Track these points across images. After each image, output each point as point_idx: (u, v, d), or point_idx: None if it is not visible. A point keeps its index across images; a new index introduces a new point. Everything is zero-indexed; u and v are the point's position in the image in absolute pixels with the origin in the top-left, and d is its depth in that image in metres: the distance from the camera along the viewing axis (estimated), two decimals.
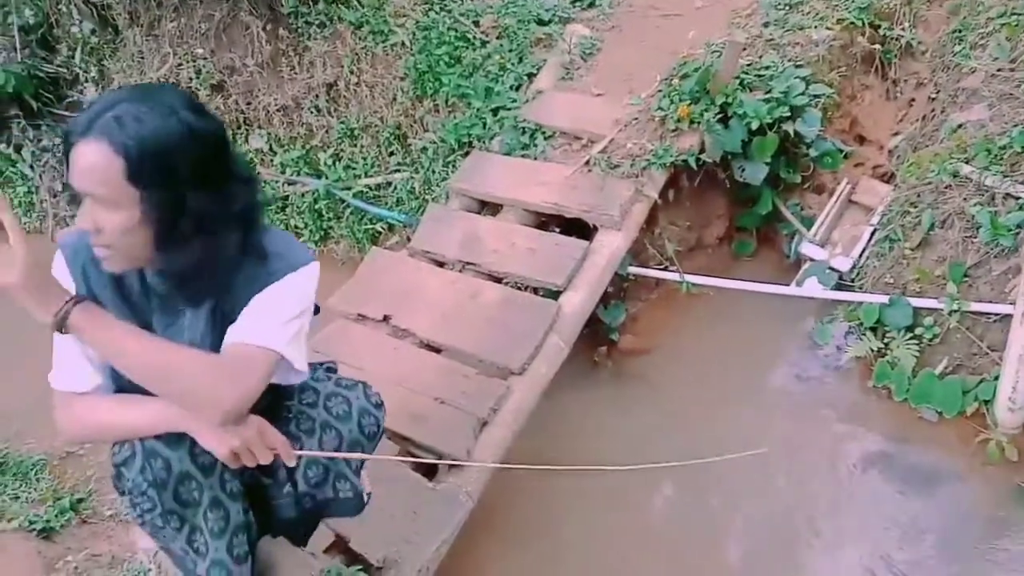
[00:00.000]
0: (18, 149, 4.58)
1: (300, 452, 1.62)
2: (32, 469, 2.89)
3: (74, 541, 2.62)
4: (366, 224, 3.87)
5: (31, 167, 4.59)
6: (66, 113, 4.51)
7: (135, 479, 1.49)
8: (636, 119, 3.22)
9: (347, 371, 1.97)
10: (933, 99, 3.45)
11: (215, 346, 1.50)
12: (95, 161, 1.27)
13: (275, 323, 1.47)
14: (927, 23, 3.69)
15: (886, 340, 2.77)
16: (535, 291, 2.82)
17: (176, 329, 1.51)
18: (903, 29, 3.63)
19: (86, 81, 4.47)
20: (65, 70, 4.52)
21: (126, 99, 1.30)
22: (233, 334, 1.47)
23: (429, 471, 2.39)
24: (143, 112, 1.28)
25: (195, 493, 1.54)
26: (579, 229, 3.05)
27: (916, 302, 2.70)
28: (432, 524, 2.15)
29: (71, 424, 1.53)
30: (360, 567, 2.06)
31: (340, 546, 2.15)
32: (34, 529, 2.60)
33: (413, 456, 2.37)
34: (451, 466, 2.34)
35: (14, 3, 4.29)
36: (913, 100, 3.62)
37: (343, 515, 1.85)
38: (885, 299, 2.76)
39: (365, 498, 1.85)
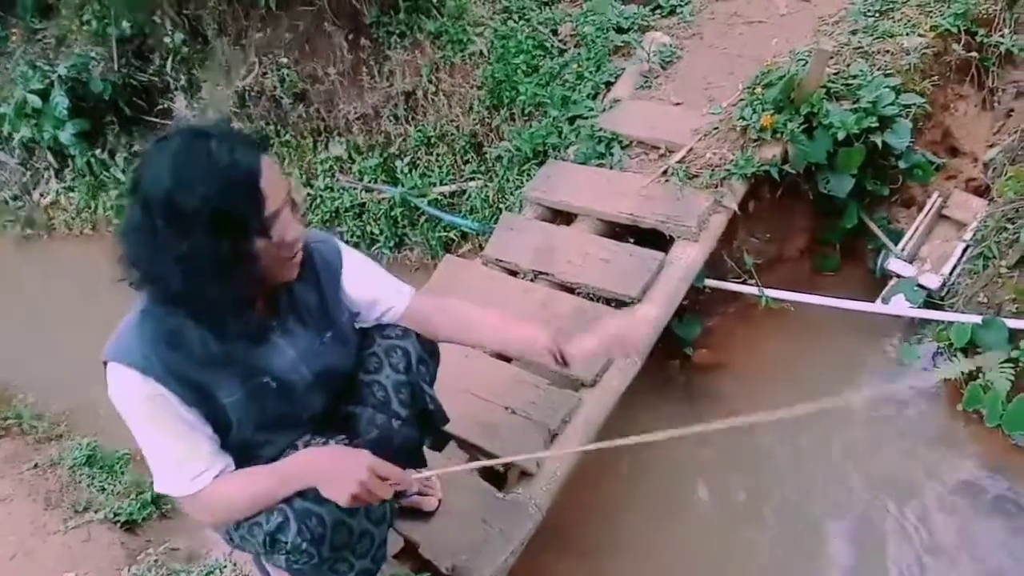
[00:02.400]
0: (112, 155, 4.82)
1: (417, 475, 1.69)
2: (117, 463, 3.01)
3: (154, 534, 2.72)
4: (440, 232, 3.90)
5: (123, 172, 4.81)
6: (157, 120, 4.71)
7: (293, 541, 1.53)
8: (716, 128, 3.15)
9: None
10: None
11: (319, 349, 1.65)
12: (277, 171, 1.43)
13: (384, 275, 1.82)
14: None
15: (978, 363, 2.63)
16: (608, 302, 2.78)
17: (273, 351, 1.59)
18: (1002, 36, 3.46)
19: (176, 89, 4.66)
20: (157, 79, 4.72)
21: (211, 129, 1.42)
22: (391, 298, 1.79)
23: (499, 481, 2.39)
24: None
25: (346, 536, 1.61)
26: (655, 240, 3.00)
27: (1012, 323, 2.56)
28: (501, 534, 2.15)
29: (206, 516, 1.60)
30: (429, 574, 2.07)
31: (410, 552, 2.16)
32: (118, 520, 2.71)
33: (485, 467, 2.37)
34: (520, 476, 2.33)
35: (113, 15, 4.50)
36: (1012, 111, 3.44)
37: (442, 423, 1.94)
38: (978, 319, 2.62)
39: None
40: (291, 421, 1.66)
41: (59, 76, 4.61)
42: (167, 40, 4.50)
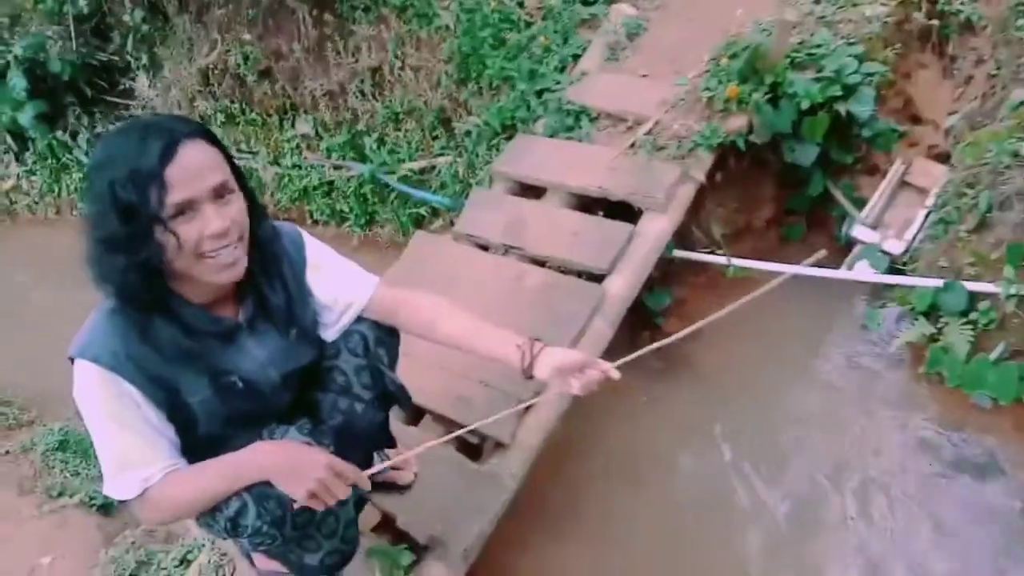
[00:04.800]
0: (74, 136, 4.73)
1: (372, 470, 1.64)
2: (91, 447, 2.99)
3: (131, 516, 2.71)
4: (410, 208, 3.90)
5: (86, 154, 4.72)
6: (119, 100, 4.63)
7: (254, 524, 1.53)
8: (683, 100, 3.17)
9: None
10: (993, 76, 3.32)
11: (287, 351, 1.66)
12: (204, 156, 1.38)
13: (345, 268, 1.78)
14: None
15: (939, 325, 2.70)
16: (579, 275, 2.81)
17: (241, 352, 1.59)
18: (962, 3, 3.50)
19: (137, 69, 4.59)
20: (117, 58, 4.64)
21: (156, 118, 1.45)
22: (351, 294, 1.74)
23: (474, 453, 2.41)
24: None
25: (307, 516, 1.60)
26: (624, 212, 3.02)
27: (972, 286, 2.62)
28: (477, 505, 2.18)
29: (154, 515, 1.57)
30: (406, 546, 2.10)
31: (387, 525, 2.19)
32: (94, 504, 2.70)
33: (457, 438, 2.39)
34: (496, 448, 2.36)
35: None
36: (971, 77, 3.49)
37: (404, 402, 1.94)
38: (939, 283, 2.69)
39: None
40: (258, 417, 1.65)
41: (15, 56, 4.51)
42: (127, 18, 4.42)
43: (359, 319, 1.78)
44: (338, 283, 1.75)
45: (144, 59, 4.49)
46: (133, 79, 4.58)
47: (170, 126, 1.39)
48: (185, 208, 1.36)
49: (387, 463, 1.78)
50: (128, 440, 1.48)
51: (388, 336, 1.84)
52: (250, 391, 1.60)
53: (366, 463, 1.98)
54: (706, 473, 2.66)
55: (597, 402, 2.79)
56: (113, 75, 4.67)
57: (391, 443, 2.02)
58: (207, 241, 1.39)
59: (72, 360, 1.45)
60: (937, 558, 2.34)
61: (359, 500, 1.81)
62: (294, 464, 1.51)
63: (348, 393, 1.77)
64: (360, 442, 1.85)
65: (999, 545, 2.35)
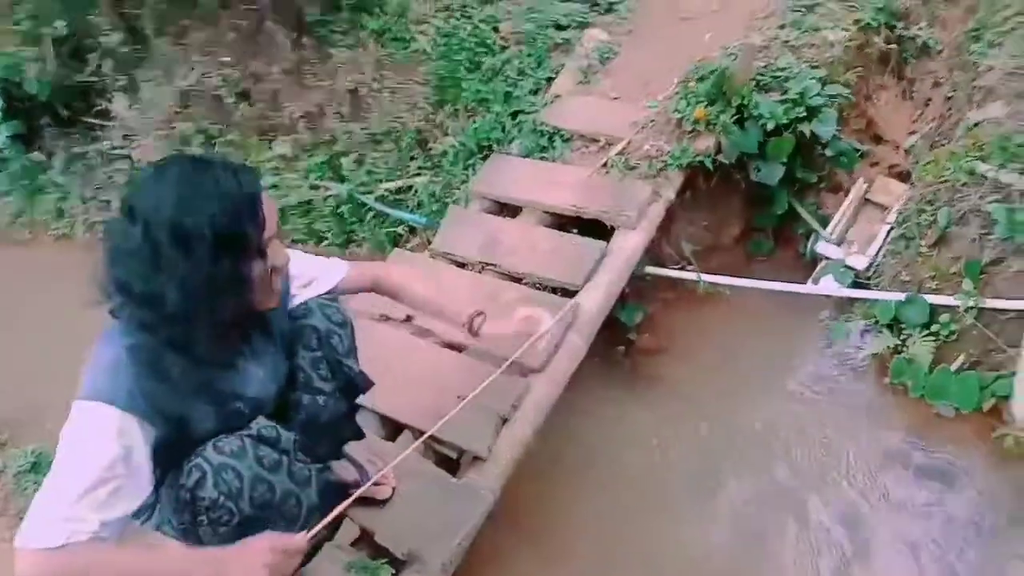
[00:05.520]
0: (50, 156, 4.71)
1: (312, 532, 1.62)
2: None
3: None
4: (388, 227, 3.93)
5: (62, 175, 4.72)
6: (96, 121, 4.63)
7: (210, 495, 1.55)
8: (653, 121, 3.27)
9: (370, 369, 2.05)
10: (950, 98, 3.47)
11: (279, 362, 1.75)
12: (270, 199, 1.52)
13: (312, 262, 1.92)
14: (944, 22, 3.71)
15: (903, 338, 2.79)
16: (554, 291, 2.87)
17: (242, 375, 1.65)
18: (919, 29, 3.65)
19: (115, 90, 4.59)
20: (95, 80, 4.64)
21: (204, 155, 1.62)
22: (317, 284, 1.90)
23: (452, 467, 2.45)
24: None
25: (267, 492, 1.63)
26: (597, 230, 3.09)
27: (932, 299, 2.73)
28: (455, 518, 2.20)
29: (48, 572, 1.35)
30: (386, 560, 2.12)
31: (366, 540, 2.21)
32: None
33: (437, 452, 2.44)
34: (473, 461, 2.40)
35: (47, 14, 4.41)
36: (930, 100, 3.64)
37: (366, 388, 2.04)
38: (901, 296, 2.78)
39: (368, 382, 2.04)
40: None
41: None
42: (104, 40, 4.43)
43: (307, 312, 1.86)
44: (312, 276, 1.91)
45: (122, 81, 4.50)
46: (110, 100, 4.59)
47: (233, 162, 1.50)
48: (270, 240, 1.48)
49: (332, 514, 1.71)
50: (100, 496, 1.39)
51: (340, 327, 1.90)
52: (253, 412, 1.66)
53: (334, 454, 2.05)
54: (680, 486, 2.71)
55: (574, 418, 2.87)
56: (90, 97, 4.66)
57: (358, 435, 2.08)
58: (278, 271, 1.54)
59: (78, 401, 1.42)
60: (900, 563, 2.40)
61: (323, 490, 1.82)
62: (242, 558, 1.49)
63: (309, 388, 1.83)
64: (325, 434, 1.91)
65: (961, 550, 2.42)
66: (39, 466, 2.99)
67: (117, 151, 4.61)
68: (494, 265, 2.96)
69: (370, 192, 3.94)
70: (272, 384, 1.74)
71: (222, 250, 1.42)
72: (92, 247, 4.72)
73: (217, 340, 1.53)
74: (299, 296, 1.88)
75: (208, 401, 1.58)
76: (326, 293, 1.94)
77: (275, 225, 1.49)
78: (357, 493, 1.75)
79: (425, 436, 1.95)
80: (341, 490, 2.15)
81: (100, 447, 1.40)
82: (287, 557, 1.53)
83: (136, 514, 1.54)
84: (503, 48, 3.91)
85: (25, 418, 3.34)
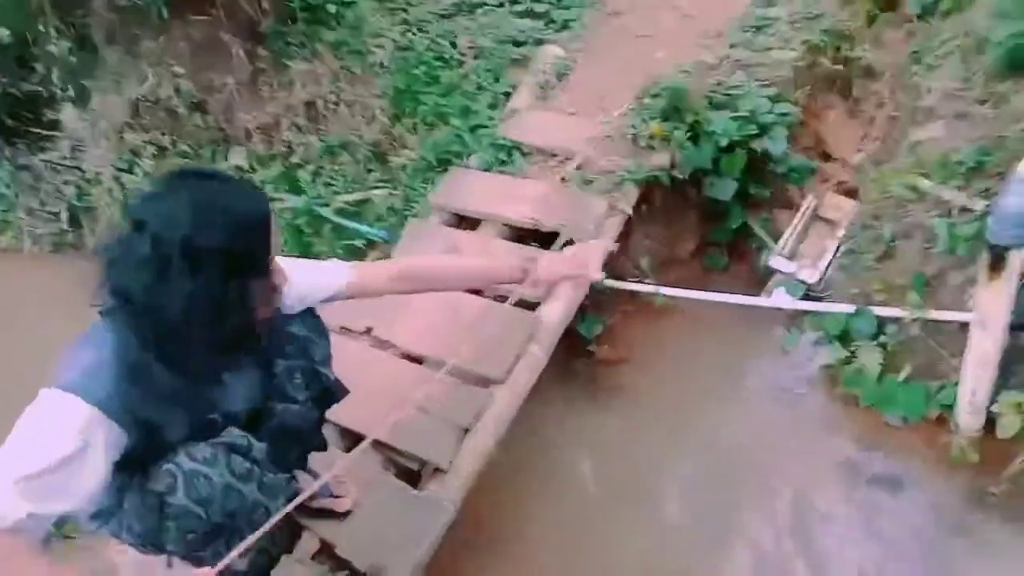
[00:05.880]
0: None
1: (220, 566, 1.48)
2: None
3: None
4: (346, 240, 3.91)
5: (7, 186, 4.59)
6: (44, 132, 4.52)
7: (180, 501, 1.55)
8: (609, 137, 3.33)
9: None
10: (893, 118, 3.60)
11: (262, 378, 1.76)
12: (276, 224, 1.55)
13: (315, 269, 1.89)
14: (887, 45, 3.85)
15: (852, 349, 2.87)
16: (516, 304, 2.88)
17: (224, 390, 1.67)
18: (864, 50, 3.78)
19: (64, 100, 4.48)
20: (42, 89, 4.53)
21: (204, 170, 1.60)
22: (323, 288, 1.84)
23: (413, 479, 2.44)
24: None
25: (238, 501, 1.64)
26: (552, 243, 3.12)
27: (880, 311, 2.81)
28: (417, 530, 2.20)
29: None
30: (346, 573, 2.11)
31: (326, 552, 2.19)
32: None
33: (398, 464, 2.43)
34: (434, 473, 2.39)
35: None
36: (874, 119, 3.77)
37: (342, 397, 2.04)
38: (851, 309, 2.87)
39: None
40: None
41: None
42: (52, 48, 4.33)
43: (287, 321, 1.84)
44: (314, 283, 1.86)
45: (71, 90, 4.40)
46: (59, 110, 4.48)
47: (244, 181, 1.52)
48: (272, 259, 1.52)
49: (285, 510, 1.65)
50: (41, 487, 1.35)
51: (318, 335, 1.91)
52: (226, 423, 1.66)
53: (302, 463, 2.03)
54: (638, 495, 2.75)
55: (535, 428, 2.89)
56: (37, 106, 4.54)
57: (323, 446, 2.07)
58: (276, 287, 1.58)
59: (45, 390, 1.40)
60: (849, 571, 2.46)
61: (291, 498, 1.80)
62: None
63: (283, 396, 1.82)
64: (295, 443, 1.90)
65: (909, 558, 2.49)
66: None
67: (66, 163, 4.51)
68: None
69: (327, 205, 3.92)
70: (251, 397, 1.74)
71: (231, 270, 1.44)
72: (39, 259, 4.61)
73: (211, 356, 1.53)
74: (295, 307, 1.84)
75: (185, 412, 1.57)
76: (326, 300, 1.91)
77: (279, 244, 1.51)
78: (299, 499, 1.67)
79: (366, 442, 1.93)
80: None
81: (59, 437, 1.37)
82: None
83: (94, 517, 1.51)
84: (461, 63, 3.94)
85: None
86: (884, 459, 2.76)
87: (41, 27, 4.30)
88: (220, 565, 1.45)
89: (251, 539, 1.48)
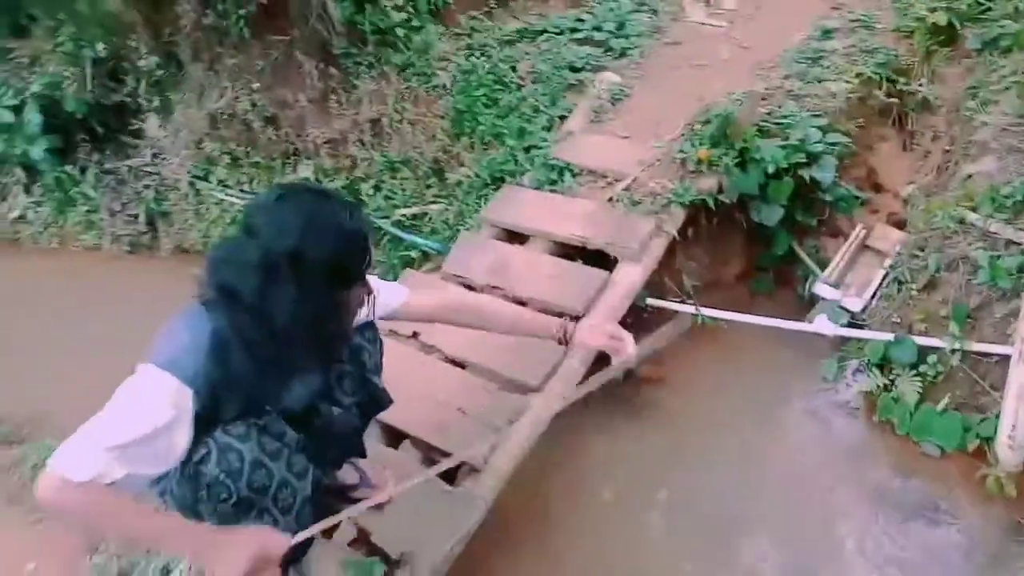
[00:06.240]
0: (83, 171, 4.92)
1: (297, 539, 1.72)
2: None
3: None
4: (402, 251, 4.08)
5: (93, 188, 4.92)
6: (129, 140, 4.85)
7: (212, 471, 1.67)
8: (659, 160, 3.41)
9: None
10: (948, 151, 3.60)
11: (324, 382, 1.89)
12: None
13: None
14: (944, 79, 3.85)
15: (891, 377, 2.88)
16: (558, 315, 2.97)
17: (289, 391, 1.79)
18: (920, 84, 3.79)
19: (149, 111, 4.81)
20: (130, 100, 4.87)
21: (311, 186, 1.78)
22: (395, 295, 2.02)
23: (450, 476, 2.54)
24: None
25: (265, 478, 1.74)
26: (601, 261, 3.21)
27: (921, 340, 2.81)
28: (449, 525, 2.30)
29: (69, 503, 1.50)
30: (379, 558, 2.22)
31: (362, 540, 2.31)
32: None
33: (435, 462, 2.53)
34: (469, 472, 2.49)
35: (89, 38, 4.65)
36: (929, 152, 3.77)
37: (387, 406, 2.17)
38: (891, 337, 2.88)
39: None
40: None
41: (32, 94, 4.73)
42: (141, 63, 4.66)
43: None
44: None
45: (156, 102, 4.72)
46: (144, 120, 4.81)
47: (349, 200, 1.70)
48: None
49: (313, 529, 1.81)
50: (138, 450, 1.53)
51: (370, 344, 2.02)
52: (279, 416, 1.78)
53: (337, 465, 2.15)
54: (664, 512, 2.77)
55: (570, 439, 2.96)
56: (125, 116, 4.89)
57: (361, 453, 2.18)
58: (364, 302, 1.73)
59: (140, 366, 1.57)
60: None
61: (316, 484, 1.91)
62: (225, 553, 1.60)
63: (330, 398, 1.93)
64: (333, 445, 2.02)
65: None
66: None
67: (147, 169, 4.82)
68: (500, 288, 3.08)
69: (387, 217, 4.10)
70: (307, 396, 1.86)
71: (333, 281, 1.60)
72: (118, 259, 4.91)
73: (302, 358, 1.71)
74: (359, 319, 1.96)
75: (248, 400, 1.69)
76: (384, 317, 2.05)
77: (373, 260, 1.66)
78: (361, 505, 1.87)
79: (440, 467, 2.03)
80: (340, 492, 2.27)
81: (155, 409, 1.54)
82: (269, 553, 1.64)
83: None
84: (519, 86, 4.09)
85: (43, 419, 3.47)
86: (919, 489, 2.74)
87: (133, 43, 4.63)
88: (299, 537, 1.69)
89: (324, 524, 1.74)
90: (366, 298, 1.74)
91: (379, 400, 2.09)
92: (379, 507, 2.32)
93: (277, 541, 1.67)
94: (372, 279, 1.92)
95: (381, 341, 2.09)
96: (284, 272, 1.54)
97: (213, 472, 1.66)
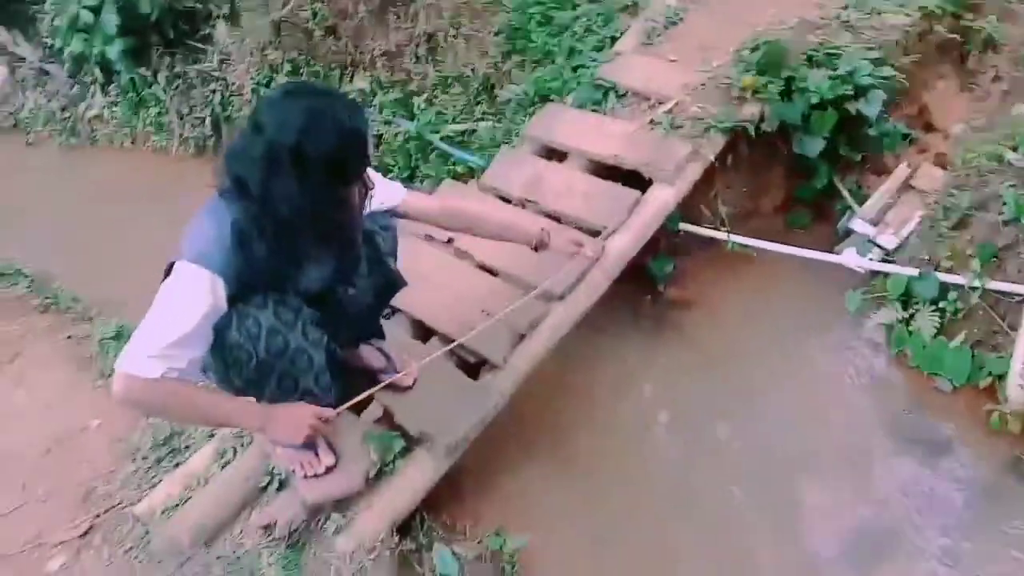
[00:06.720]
0: (155, 73, 5.16)
1: (342, 408, 2.09)
2: None
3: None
4: (450, 166, 4.22)
5: (164, 91, 5.16)
6: (199, 44, 5.04)
7: (233, 336, 1.86)
8: (704, 85, 3.42)
9: (411, 280, 2.44)
10: (1006, 92, 3.51)
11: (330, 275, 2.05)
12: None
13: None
14: (1015, 17, 3.72)
15: (911, 312, 2.91)
16: (588, 231, 3.08)
17: (305, 273, 1.96)
18: (987, 21, 3.67)
19: (218, 17, 4.99)
20: (201, 6, 5.05)
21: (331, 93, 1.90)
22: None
23: (472, 371, 2.72)
24: None
25: (281, 344, 1.93)
26: (639, 183, 3.28)
27: (943, 277, 2.84)
28: (467, 410, 2.49)
29: (144, 398, 1.76)
30: (399, 434, 2.43)
31: (386, 418, 2.52)
32: None
33: (460, 356, 2.71)
34: (490, 368, 2.67)
35: None
36: (989, 93, 3.67)
37: (400, 287, 2.37)
38: (915, 272, 2.90)
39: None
40: None
41: None
42: None
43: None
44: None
45: (225, 8, 4.89)
46: (213, 26, 4.99)
47: (351, 100, 1.86)
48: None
49: (346, 405, 2.13)
50: (191, 339, 1.75)
51: (384, 229, 2.20)
52: (297, 297, 1.97)
53: (353, 343, 2.38)
54: (680, 429, 2.89)
55: (592, 353, 3.10)
56: (195, 21, 5.09)
57: (380, 335, 2.41)
58: (365, 196, 1.88)
59: (175, 263, 1.76)
60: (885, 526, 2.53)
61: (332, 355, 2.12)
62: (287, 422, 1.96)
63: (347, 281, 2.11)
64: (348, 323, 2.21)
65: (951, 517, 2.53)
66: (121, 336, 3.41)
67: (214, 74, 5.02)
68: (534, 202, 3.19)
69: (437, 132, 4.23)
70: (322, 279, 2.03)
71: (332, 176, 1.73)
72: (184, 160, 5.17)
73: (310, 247, 1.86)
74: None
75: (269, 282, 1.88)
76: (387, 211, 2.22)
77: (371, 155, 1.80)
78: (385, 382, 2.20)
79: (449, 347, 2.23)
80: (368, 375, 2.48)
81: (197, 300, 1.75)
82: (322, 425, 1.97)
83: None
84: (575, 5, 4.10)
85: (113, 300, 3.78)
86: (930, 422, 2.80)
87: None
88: (341, 408, 2.06)
89: (367, 392, 2.10)
90: (366, 194, 1.87)
91: (393, 282, 2.27)
92: (405, 389, 2.55)
93: (326, 412, 1.98)
94: (373, 174, 2.06)
95: (394, 228, 2.26)
96: (285, 165, 1.67)
97: (234, 337, 1.85)
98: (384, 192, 2.19)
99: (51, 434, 2.93)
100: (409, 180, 4.40)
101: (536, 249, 2.43)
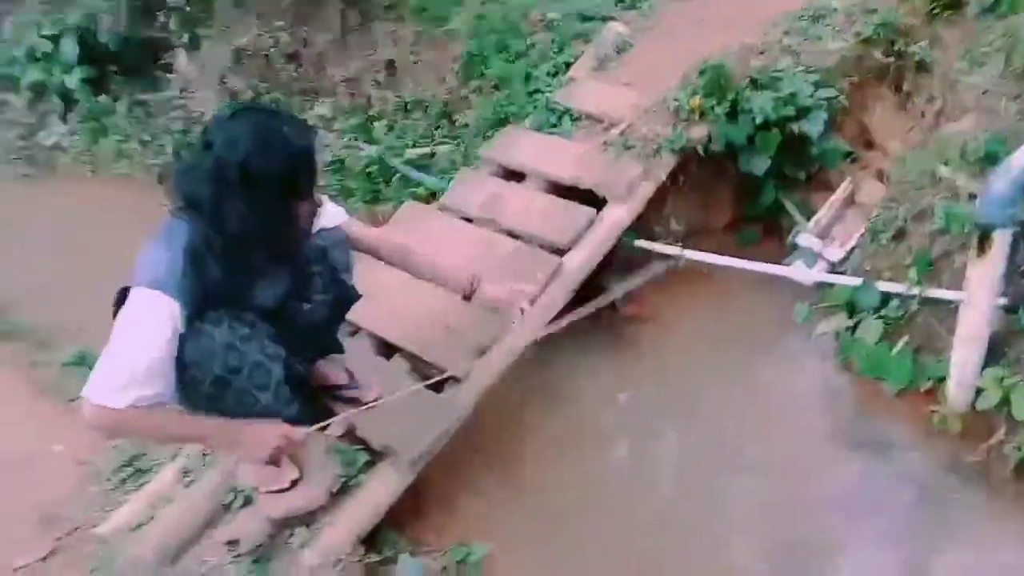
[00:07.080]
0: (115, 100, 5.18)
1: (311, 429, 2.13)
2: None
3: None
4: (411, 189, 4.29)
5: (125, 118, 5.18)
6: (159, 73, 5.09)
7: (191, 353, 1.87)
8: (654, 108, 3.56)
9: (372, 301, 2.52)
10: (939, 112, 3.70)
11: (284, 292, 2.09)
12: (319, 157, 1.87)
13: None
14: (943, 43, 3.93)
15: (856, 320, 3.05)
16: (545, 249, 3.17)
17: (260, 291, 2.00)
18: (920, 47, 3.87)
19: (178, 46, 5.04)
20: (161, 35, 5.10)
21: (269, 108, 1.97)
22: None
23: (436, 386, 2.77)
24: None
25: (237, 359, 1.94)
26: (595, 202, 3.38)
27: (884, 286, 2.98)
28: (429, 424, 2.54)
29: (112, 426, 1.80)
30: (363, 447, 2.47)
31: (349, 434, 2.56)
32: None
33: (421, 372, 2.77)
34: (452, 382, 2.73)
35: None
36: (924, 113, 3.87)
37: (355, 300, 2.38)
38: (857, 282, 3.04)
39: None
40: None
41: (69, 25, 4.97)
42: (172, 1, 4.87)
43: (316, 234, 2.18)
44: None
45: (185, 38, 4.95)
46: (173, 55, 5.04)
47: (298, 119, 1.90)
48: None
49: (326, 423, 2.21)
50: (156, 367, 1.75)
51: (337, 248, 2.25)
52: (254, 314, 2.00)
53: (311, 359, 2.42)
54: (635, 439, 2.97)
55: (550, 367, 3.17)
56: (156, 50, 5.13)
57: (338, 349, 2.45)
58: (314, 213, 1.95)
59: (128, 289, 1.77)
60: (829, 527, 2.63)
61: (289, 369, 2.12)
62: (255, 441, 1.98)
63: (303, 297, 2.16)
64: (304, 338, 2.23)
65: (894, 518, 2.63)
66: (83, 361, 3.39)
67: (175, 101, 5.06)
68: (493, 220, 3.28)
69: (398, 156, 4.31)
70: (277, 295, 2.07)
71: (281, 194, 1.79)
72: (149, 187, 5.16)
73: (260, 263, 1.90)
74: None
75: (224, 301, 1.90)
76: (331, 229, 2.26)
77: (320, 174, 1.85)
78: (367, 407, 2.31)
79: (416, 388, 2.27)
80: (331, 390, 2.52)
81: (159, 327, 1.76)
82: (290, 444, 1.99)
83: None
84: (530, 33, 4.24)
85: (73, 326, 3.75)
86: (874, 426, 2.93)
87: None
88: (310, 429, 2.10)
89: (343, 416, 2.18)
90: (314, 211, 1.94)
91: (348, 296, 2.32)
92: (367, 405, 2.59)
93: (295, 432, 2.00)
94: (318, 195, 2.09)
95: (347, 245, 2.29)
96: (234, 182, 1.72)
97: (191, 355, 1.85)
98: (328, 213, 2.23)
99: (12, 459, 2.91)
100: (372, 204, 4.47)
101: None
